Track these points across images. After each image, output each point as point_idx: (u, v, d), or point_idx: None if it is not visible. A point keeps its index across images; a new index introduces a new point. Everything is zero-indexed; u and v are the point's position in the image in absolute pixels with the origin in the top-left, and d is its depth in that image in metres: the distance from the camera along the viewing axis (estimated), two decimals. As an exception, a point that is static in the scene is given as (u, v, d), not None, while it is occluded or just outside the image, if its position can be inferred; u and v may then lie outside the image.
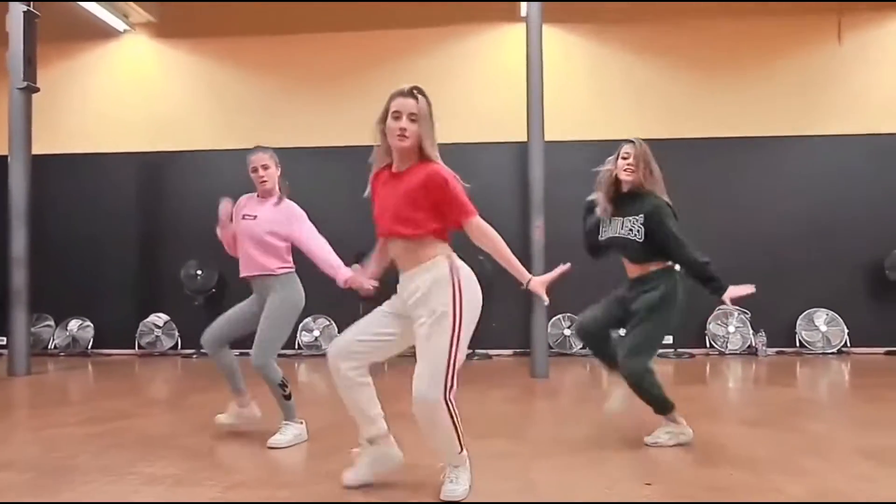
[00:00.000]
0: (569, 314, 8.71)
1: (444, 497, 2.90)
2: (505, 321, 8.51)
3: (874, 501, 2.84)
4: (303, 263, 4.08)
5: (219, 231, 4.13)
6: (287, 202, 4.08)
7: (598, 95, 9.22)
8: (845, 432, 4.19)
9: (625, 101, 9.21)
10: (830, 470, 3.25)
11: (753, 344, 8.62)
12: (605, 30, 9.31)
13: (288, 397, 4.02)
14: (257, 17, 9.60)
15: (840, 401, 5.78)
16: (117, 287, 9.60)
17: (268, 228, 3.98)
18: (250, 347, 3.94)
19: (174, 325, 9.34)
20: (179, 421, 4.74)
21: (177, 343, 9.33)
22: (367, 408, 3.01)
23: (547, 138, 7.48)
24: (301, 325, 8.98)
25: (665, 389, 3.80)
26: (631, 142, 3.83)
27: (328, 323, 8.99)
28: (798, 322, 8.75)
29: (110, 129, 9.79)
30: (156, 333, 9.32)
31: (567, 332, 8.83)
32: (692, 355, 8.54)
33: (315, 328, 9.01)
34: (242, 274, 4.09)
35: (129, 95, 9.86)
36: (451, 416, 2.81)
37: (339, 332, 6.47)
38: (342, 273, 3.73)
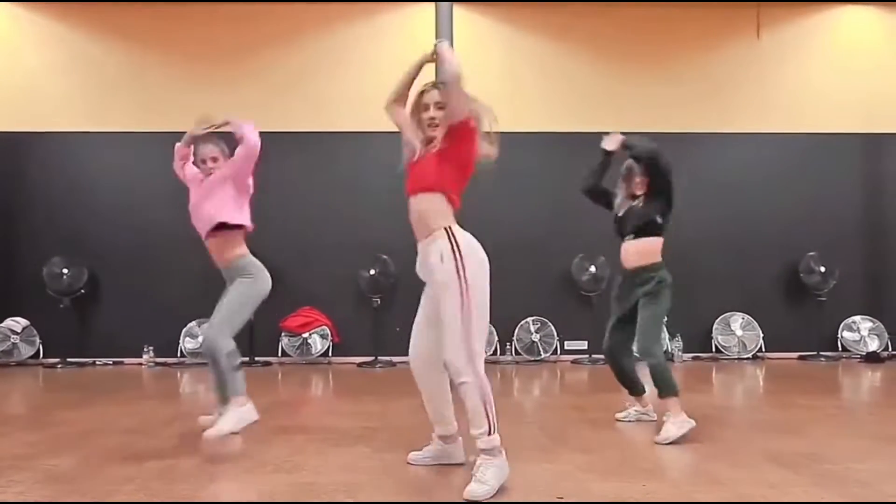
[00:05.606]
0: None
1: (465, 496, 3.09)
2: (409, 326, 8.57)
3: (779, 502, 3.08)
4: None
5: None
6: None
7: (511, 84, 9.40)
8: (757, 438, 4.48)
9: (538, 91, 9.47)
10: (741, 477, 3.48)
11: (669, 349, 8.99)
12: (521, 14, 9.53)
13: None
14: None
15: (753, 406, 6.16)
16: (-35, 287, 9.11)
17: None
18: None
19: (35, 331, 8.95)
20: (41, 440, 4.54)
21: (38, 351, 8.95)
22: (443, 408, 3.63)
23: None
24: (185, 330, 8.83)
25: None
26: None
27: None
28: (714, 326, 9.24)
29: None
30: (12, 340, 8.91)
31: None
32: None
33: (200, 334, 8.82)
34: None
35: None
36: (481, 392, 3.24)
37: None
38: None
